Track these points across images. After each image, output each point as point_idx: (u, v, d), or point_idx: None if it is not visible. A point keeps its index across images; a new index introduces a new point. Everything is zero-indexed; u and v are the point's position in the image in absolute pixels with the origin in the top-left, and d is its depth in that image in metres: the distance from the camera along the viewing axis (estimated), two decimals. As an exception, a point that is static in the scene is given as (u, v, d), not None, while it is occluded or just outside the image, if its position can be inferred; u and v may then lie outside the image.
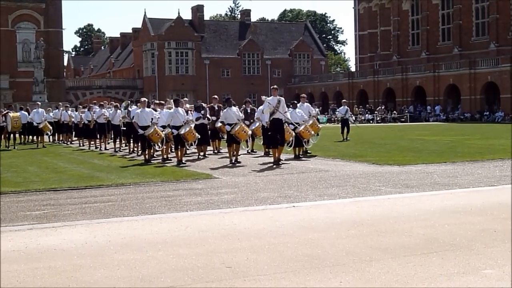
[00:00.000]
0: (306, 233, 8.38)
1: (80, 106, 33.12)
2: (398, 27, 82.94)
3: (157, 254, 7.30)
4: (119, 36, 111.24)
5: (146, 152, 20.68)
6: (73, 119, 32.44)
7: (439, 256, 6.97)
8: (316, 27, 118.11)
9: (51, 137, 34.53)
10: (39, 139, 32.18)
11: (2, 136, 30.72)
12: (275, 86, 19.99)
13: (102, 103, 30.81)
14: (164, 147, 20.96)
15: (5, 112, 30.51)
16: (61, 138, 35.35)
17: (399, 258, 6.97)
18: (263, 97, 19.81)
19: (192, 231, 8.73)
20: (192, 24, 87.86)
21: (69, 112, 33.62)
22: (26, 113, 33.40)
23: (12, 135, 30.29)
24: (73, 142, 32.52)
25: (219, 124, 21.87)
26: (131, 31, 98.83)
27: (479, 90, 64.32)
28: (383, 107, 72.16)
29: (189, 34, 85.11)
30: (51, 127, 32.35)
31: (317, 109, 34.59)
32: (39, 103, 35.38)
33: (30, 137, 34.86)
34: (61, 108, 35.05)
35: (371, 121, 68.14)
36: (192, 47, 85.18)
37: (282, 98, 19.15)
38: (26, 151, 27.94)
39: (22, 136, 34.12)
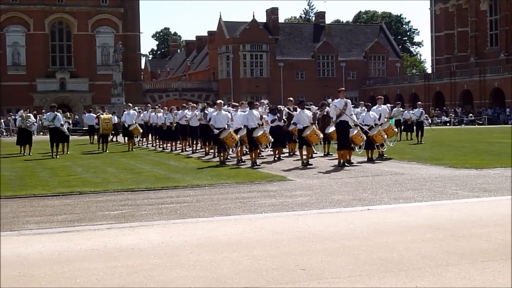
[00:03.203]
0: (381, 236, 8.32)
1: (166, 108, 32.18)
2: (476, 27, 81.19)
3: (232, 255, 7.38)
4: (194, 39, 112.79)
5: (221, 154, 20.86)
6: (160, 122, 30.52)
7: (519, 262, 6.81)
8: (391, 28, 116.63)
9: (136, 139, 32.77)
10: (130, 141, 30.64)
11: (97, 138, 31.10)
12: (342, 89, 19.92)
13: (184, 104, 30.69)
14: (239, 149, 21.11)
15: (97, 114, 31.02)
16: (149, 141, 34.04)
17: (477, 263, 6.84)
18: (329, 100, 19.77)
19: (266, 232, 8.77)
20: (266, 26, 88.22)
21: (159, 114, 31.24)
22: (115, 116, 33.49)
23: (104, 138, 29.54)
24: (161, 146, 31.37)
25: (291, 127, 21.78)
26: (206, 34, 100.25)
27: (562, 91, 62.53)
28: (454, 109, 70.73)
29: (264, 37, 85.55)
30: (141, 130, 31.14)
31: (411, 111, 33.78)
32: (130, 104, 35.08)
33: (119, 138, 34.75)
34: (149, 110, 34.10)
35: (447, 124, 66.90)
36: (266, 49, 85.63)
37: (349, 101, 19.05)
38: (104, 153, 28.46)
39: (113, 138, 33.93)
